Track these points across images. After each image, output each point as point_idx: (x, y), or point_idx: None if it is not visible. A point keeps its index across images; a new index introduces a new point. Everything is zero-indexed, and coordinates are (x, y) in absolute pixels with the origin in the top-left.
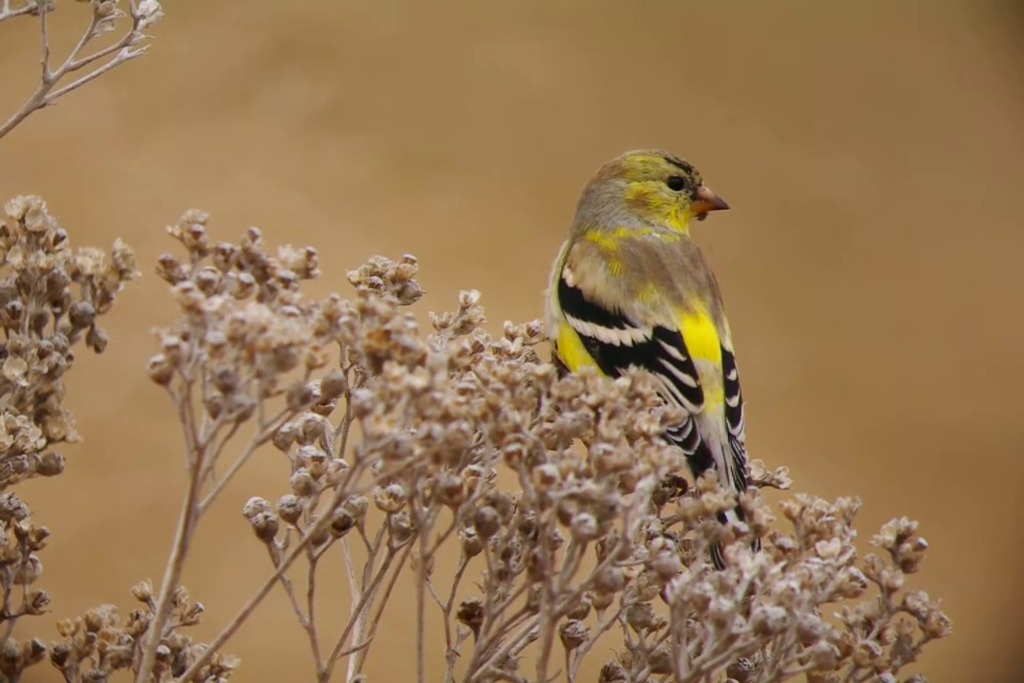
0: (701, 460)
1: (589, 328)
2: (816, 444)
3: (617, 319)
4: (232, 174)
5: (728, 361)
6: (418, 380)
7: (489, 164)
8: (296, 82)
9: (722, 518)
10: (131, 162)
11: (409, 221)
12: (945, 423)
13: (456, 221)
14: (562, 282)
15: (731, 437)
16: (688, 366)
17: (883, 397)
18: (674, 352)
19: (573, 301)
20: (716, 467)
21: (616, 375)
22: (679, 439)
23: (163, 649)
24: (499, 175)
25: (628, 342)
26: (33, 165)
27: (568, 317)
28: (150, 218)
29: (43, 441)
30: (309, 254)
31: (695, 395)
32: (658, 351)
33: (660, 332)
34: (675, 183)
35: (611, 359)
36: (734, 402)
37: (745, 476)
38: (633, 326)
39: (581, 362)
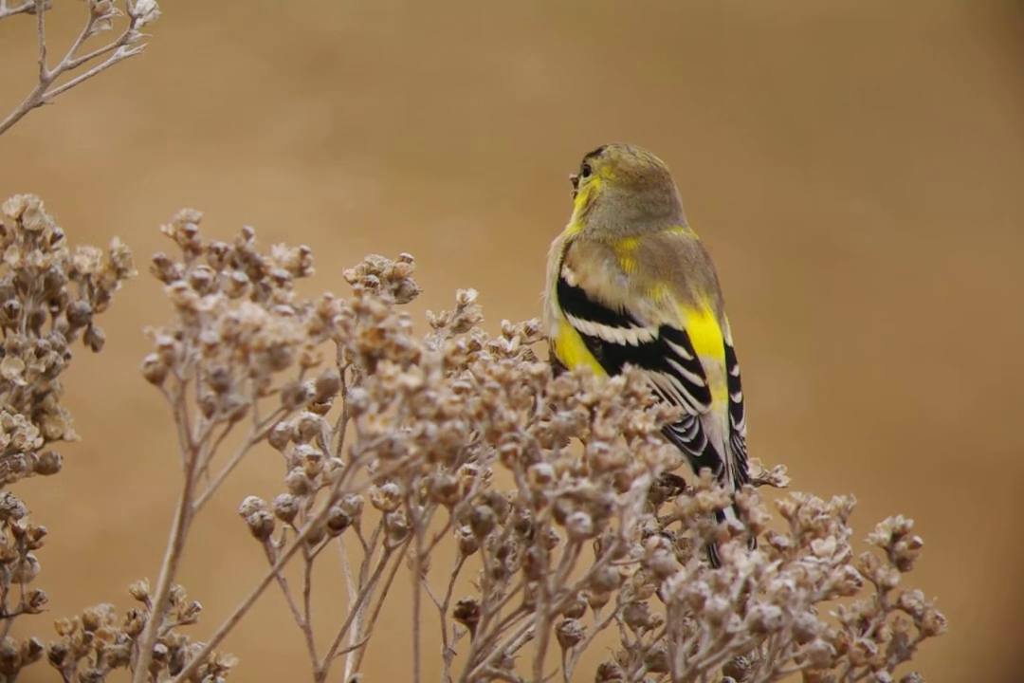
0: (709, 460)
1: (592, 327)
2: (824, 471)
3: (622, 318)
4: (236, 194)
5: (730, 357)
6: (412, 379)
7: (490, 168)
8: (300, 103)
9: (719, 516)
10: (139, 184)
11: (410, 227)
12: (954, 449)
13: (458, 224)
14: (562, 281)
15: (735, 433)
16: (696, 365)
17: (891, 423)
18: (681, 351)
19: (575, 301)
20: (725, 466)
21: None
22: (687, 440)
23: (161, 648)
24: (500, 178)
25: (634, 342)
26: (41, 185)
27: (569, 316)
28: (157, 238)
29: (40, 440)
30: (303, 252)
31: (703, 394)
32: (665, 350)
33: (666, 331)
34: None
35: (616, 359)
36: (738, 398)
37: (746, 472)
38: (639, 325)
39: (581, 361)
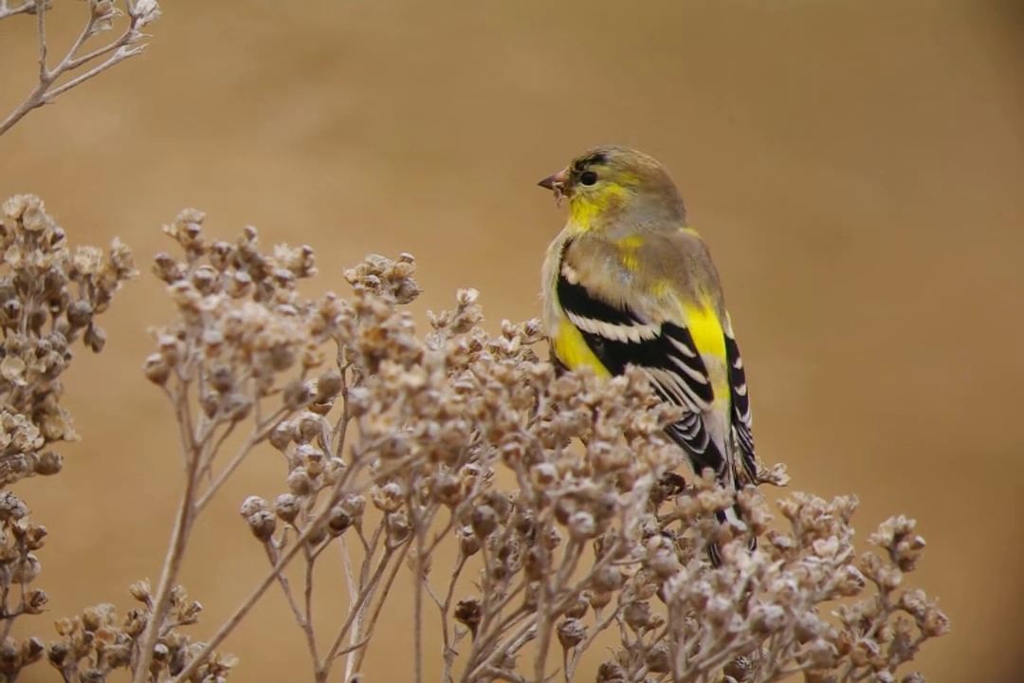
0: (711, 458)
1: (594, 325)
2: (823, 467)
3: (624, 316)
4: (237, 190)
5: (732, 350)
6: (415, 379)
7: (490, 162)
8: (300, 98)
9: (721, 516)
10: (140, 180)
11: (410, 222)
12: (954, 444)
13: (457, 218)
14: (562, 280)
15: (741, 425)
16: (698, 362)
17: (891, 418)
18: (683, 349)
19: (575, 299)
20: (727, 465)
21: (622, 373)
22: (689, 438)
23: (161, 648)
24: (499, 173)
25: (636, 339)
26: (41, 183)
27: (570, 315)
28: (157, 235)
29: (41, 440)
30: (305, 253)
31: (705, 392)
32: (668, 348)
33: (669, 328)
34: (588, 179)
35: (618, 357)
36: (742, 391)
37: (753, 463)
38: (641, 323)
39: (583, 360)
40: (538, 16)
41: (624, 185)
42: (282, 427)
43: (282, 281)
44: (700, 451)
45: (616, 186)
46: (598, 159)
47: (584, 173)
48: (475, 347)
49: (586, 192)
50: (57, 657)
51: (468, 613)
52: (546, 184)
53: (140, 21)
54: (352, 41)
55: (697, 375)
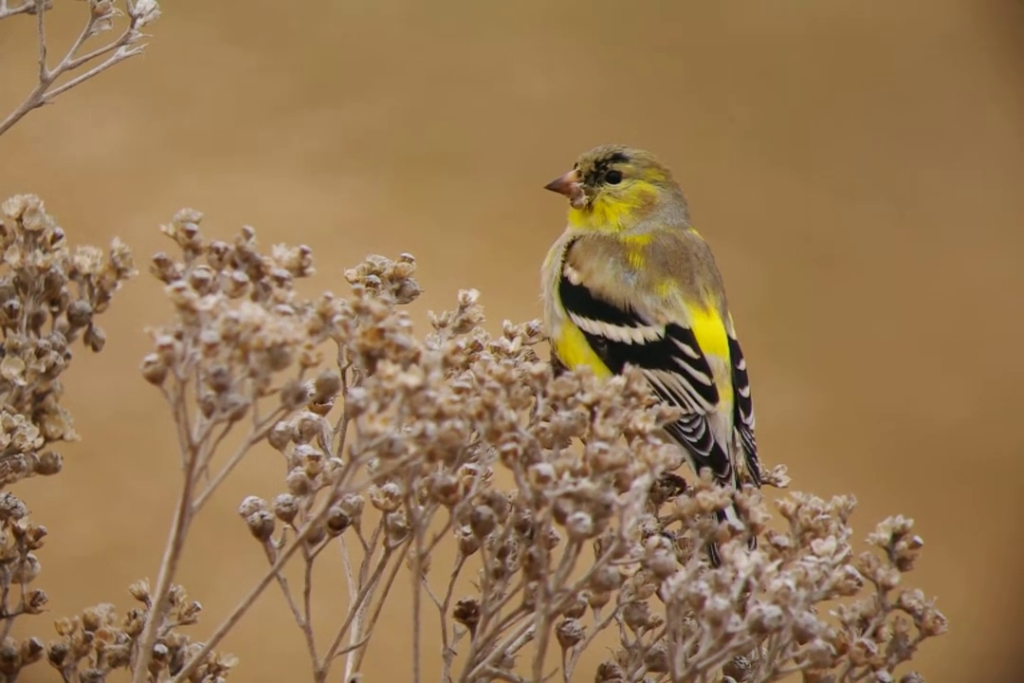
0: (716, 460)
1: (597, 327)
2: (824, 472)
3: (628, 317)
4: (238, 194)
5: (736, 351)
6: (412, 378)
7: (492, 169)
8: (300, 105)
9: (720, 516)
10: (140, 185)
11: (412, 226)
12: (954, 444)
13: (461, 226)
14: (564, 281)
15: (745, 427)
16: (702, 364)
17: (893, 425)
18: (688, 350)
19: (578, 300)
20: (732, 467)
21: None
22: (694, 439)
23: (161, 648)
24: (502, 180)
25: (640, 340)
26: (38, 184)
27: (573, 316)
28: (157, 238)
29: (41, 440)
30: (303, 252)
31: (710, 393)
32: (672, 349)
33: (673, 330)
34: (613, 178)
35: (621, 358)
36: (746, 392)
37: (757, 465)
38: (645, 324)
39: (584, 362)
40: (538, 18)
41: (652, 181)
42: (281, 427)
43: (280, 281)
44: (705, 453)
45: (644, 183)
46: (619, 157)
47: (609, 172)
48: (475, 347)
49: (613, 191)
50: (57, 657)
51: (467, 613)
52: (558, 187)
53: (140, 21)
54: (353, 44)
55: (702, 376)
